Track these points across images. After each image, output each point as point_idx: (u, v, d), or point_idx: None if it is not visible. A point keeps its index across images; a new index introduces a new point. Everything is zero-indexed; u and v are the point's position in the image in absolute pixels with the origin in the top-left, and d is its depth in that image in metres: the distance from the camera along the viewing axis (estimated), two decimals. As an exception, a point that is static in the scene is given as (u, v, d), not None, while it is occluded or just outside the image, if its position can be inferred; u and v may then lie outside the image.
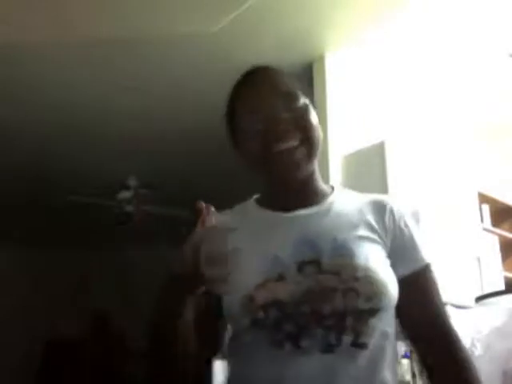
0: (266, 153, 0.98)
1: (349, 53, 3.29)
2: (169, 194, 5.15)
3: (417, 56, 3.36)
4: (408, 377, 2.22)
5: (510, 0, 2.90)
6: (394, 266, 0.98)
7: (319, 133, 1.02)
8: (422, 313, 1.00)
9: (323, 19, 2.98)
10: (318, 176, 1.06)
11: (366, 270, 0.92)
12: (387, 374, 0.94)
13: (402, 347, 2.15)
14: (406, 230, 1.02)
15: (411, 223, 1.04)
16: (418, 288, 1.00)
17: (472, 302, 2.65)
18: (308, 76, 3.23)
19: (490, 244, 3.52)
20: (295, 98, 1.00)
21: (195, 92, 3.67)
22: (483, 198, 3.58)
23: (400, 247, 1.00)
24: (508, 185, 4.02)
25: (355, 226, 0.99)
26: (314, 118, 1.01)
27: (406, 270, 0.99)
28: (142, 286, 6.49)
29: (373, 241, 0.98)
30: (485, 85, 3.70)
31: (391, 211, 1.03)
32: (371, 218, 1.01)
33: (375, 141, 3.00)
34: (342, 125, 3.13)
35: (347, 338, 0.90)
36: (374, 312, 0.91)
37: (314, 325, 0.90)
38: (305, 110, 1.00)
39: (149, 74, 3.47)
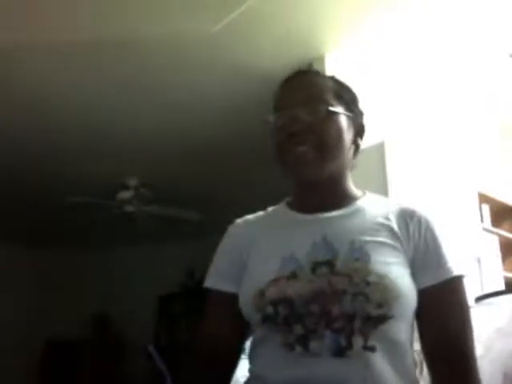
0: (280, 151, 1.03)
1: (348, 53, 3.29)
2: (169, 194, 5.15)
3: (417, 56, 3.36)
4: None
5: (510, 0, 2.90)
6: (414, 276, 0.96)
7: (338, 140, 1.02)
8: (437, 330, 0.97)
9: (322, 19, 2.97)
10: (345, 180, 1.08)
11: (380, 275, 0.91)
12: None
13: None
14: (431, 241, 1.00)
15: (439, 235, 1.02)
16: (438, 302, 0.97)
17: (472, 302, 2.64)
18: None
19: (489, 244, 3.52)
20: (322, 103, 1.02)
21: (195, 92, 3.67)
22: (483, 198, 3.58)
23: (422, 258, 0.98)
24: (508, 185, 4.02)
25: (377, 231, 0.99)
26: (333, 125, 1.02)
27: (427, 282, 0.96)
28: (142, 286, 6.50)
29: (393, 248, 0.97)
30: (485, 85, 3.69)
31: (418, 221, 1.01)
32: (395, 225, 1.00)
33: (375, 141, 3.00)
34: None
35: (358, 341, 0.90)
36: (384, 319, 0.90)
37: (323, 327, 0.90)
38: (329, 117, 1.02)
39: (148, 74, 3.47)
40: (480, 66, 3.51)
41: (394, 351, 0.93)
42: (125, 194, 4.94)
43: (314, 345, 0.90)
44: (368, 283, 0.90)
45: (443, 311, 0.96)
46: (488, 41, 3.25)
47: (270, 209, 1.15)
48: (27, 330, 6.38)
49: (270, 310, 0.93)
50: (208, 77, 3.48)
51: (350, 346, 0.89)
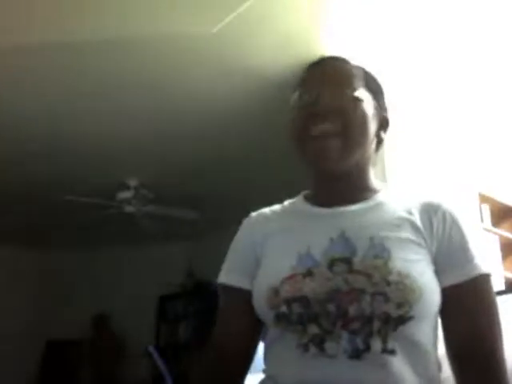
0: (302, 134, 0.97)
1: (348, 53, 3.29)
2: (169, 194, 5.15)
3: (416, 56, 3.36)
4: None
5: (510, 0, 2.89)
6: (438, 274, 0.91)
7: (363, 127, 0.97)
8: (464, 331, 0.91)
9: (322, 19, 2.97)
10: (367, 173, 1.04)
11: (401, 274, 0.86)
12: None
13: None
14: (456, 236, 0.95)
15: (465, 230, 0.97)
16: (464, 301, 0.91)
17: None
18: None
19: (490, 244, 3.52)
20: (350, 89, 0.98)
21: (194, 92, 3.67)
22: (483, 198, 3.58)
23: (446, 255, 0.92)
24: (508, 185, 4.02)
25: (398, 226, 0.93)
26: (359, 111, 0.97)
27: (452, 280, 0.91)
28: (142, 286, 6.49)
29: (416, 244, 0.92)
30: (485, 84, 3.69)
31: (443, 215, 0.96)
32: (418, 220, 0.94)
33: (375, 141, 3.00)
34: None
35: (376, 343, 0.85)
36: (404, 320, 0.86)
37: (339, 328, 0.86)
38: (355, 102, 0.97)
39: (148, 74, 3.47)
40: (480, 65, 3.50)
41: (416, 354, 0.88)
42: (125, 194, 4.94)
43: (329, 346, 0.86)
44: (388, 282, 0.85)
45: (469, 311, 0.91)
46: (491, 38, 3.25)
47: (286, 202, 1.09)
48: (27, 330, 6.37)
49: (284, 308, 0.89)
50: (208, 77, 3.48)
51: (367, 348, 0.85)
